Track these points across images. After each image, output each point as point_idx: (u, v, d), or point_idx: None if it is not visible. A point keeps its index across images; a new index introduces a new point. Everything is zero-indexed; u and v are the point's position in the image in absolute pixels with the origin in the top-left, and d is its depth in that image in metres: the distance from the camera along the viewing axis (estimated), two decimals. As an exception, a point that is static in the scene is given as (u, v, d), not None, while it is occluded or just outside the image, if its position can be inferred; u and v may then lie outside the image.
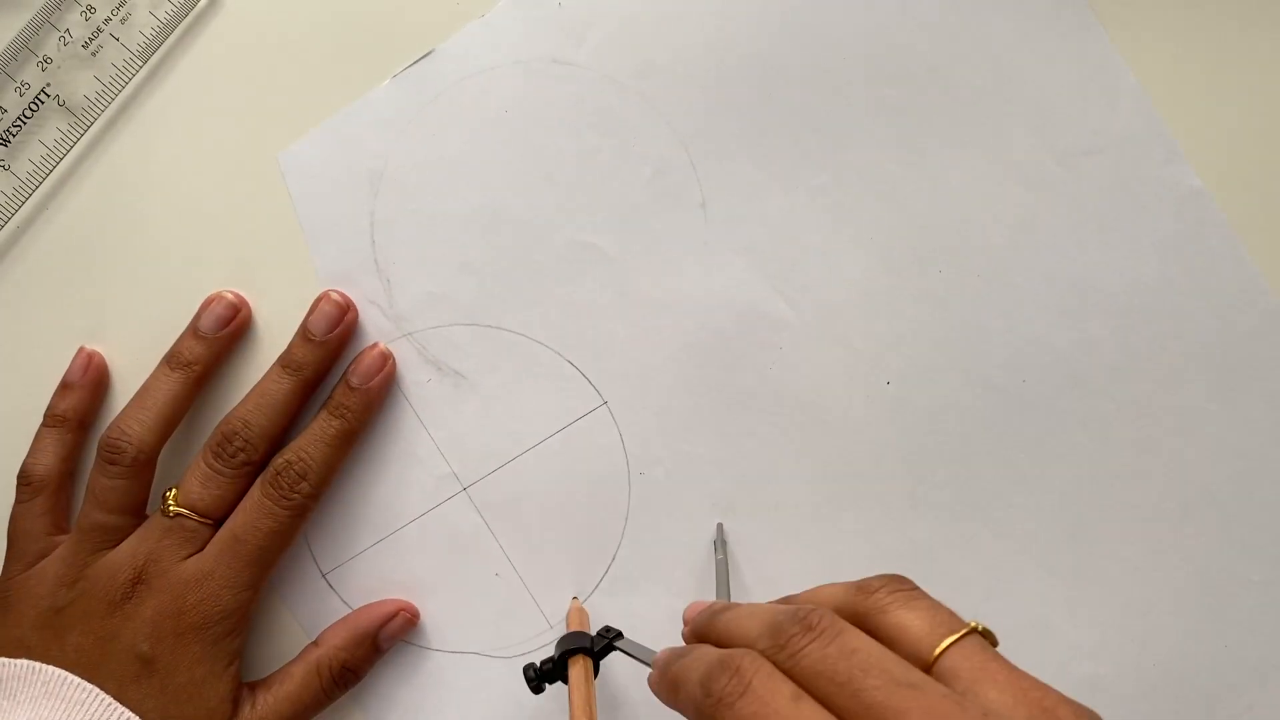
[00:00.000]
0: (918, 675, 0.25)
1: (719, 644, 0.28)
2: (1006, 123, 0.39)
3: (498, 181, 0.39)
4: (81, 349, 0.40)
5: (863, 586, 0.28)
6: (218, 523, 0.37)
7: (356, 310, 0.39)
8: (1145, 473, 0.39)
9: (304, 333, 0.39)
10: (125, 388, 0.40)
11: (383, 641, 0.39)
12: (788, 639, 0.26)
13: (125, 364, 0.40)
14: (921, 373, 0.39)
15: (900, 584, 0.28)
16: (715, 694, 0.25)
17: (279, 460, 0.37)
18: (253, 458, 0.37)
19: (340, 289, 0.39)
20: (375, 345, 0.39)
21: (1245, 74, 0.40)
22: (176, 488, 0.37)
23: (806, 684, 0.25)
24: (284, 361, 0.38)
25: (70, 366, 0.39)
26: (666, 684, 0.29)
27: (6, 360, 0.40)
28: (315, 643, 0.39)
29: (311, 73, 0.40)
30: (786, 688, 0.25)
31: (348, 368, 0.39)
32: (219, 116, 0.40)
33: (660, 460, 0.39)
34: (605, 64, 0.39)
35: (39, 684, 0.34)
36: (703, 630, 0.30)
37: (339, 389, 0.39)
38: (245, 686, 0.37)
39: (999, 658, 0.26)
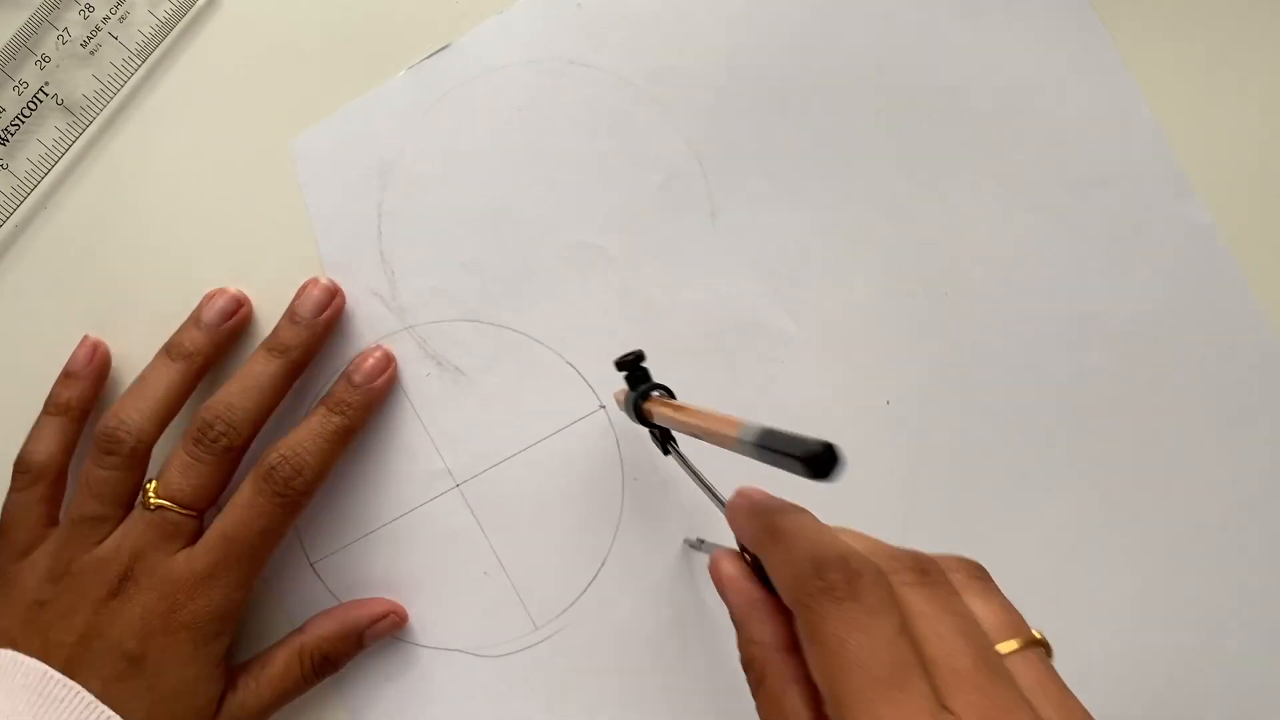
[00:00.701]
0: (1004, 667, 0.25)
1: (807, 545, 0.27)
2: (1018, 148, 0.39)
3: (507, 179, 0.39)
4: (86, 338, 0.39)
5: (942, 562, 0.28)
6: (201, 513, 0.36)
7: (344, 296, 0.39)
8: (1141, 505, 0.39)
9: (291, 315, 0.38)
10: (124, 382, 0.39)
11: (368, 639, 0.39)
12: (902, 570, 0.27)
13: (125, 360, 0.40)
14: (921, 394, 0.39)
15: (979, 572, 0.29)
16: (826, 580, 0.25)
17: (272, 456, 0.36)
18: (235, 442, 0.36)
19: (343, 278, 0.39)
20: (379, 347, 0.39)
21: (1261, 110, 0.40)
22: (157, 479, 0.36)
23: (907, 620, 0.26)
24: (270, 344, 0.38)
25: (74, 355, 0.39)
26: (765, 528, 0.28)
27: (5, 360, 0.40)
28: (300, 629, 0.39)
29: (313, 71, 0.40)
30: (897, 617, 0.25)
31: (350, 365, 0.39)
32: (219, 115, 0.40)
33: (656, 468, 0.39)
34: (622, 67, 0.39)
35: (19, 675, 0.34)
36: (776, 521, 0.28)
37: (340, 386, 0.38)
38: (233, 683, 0.37)
39: (1057, 677, 0.26)
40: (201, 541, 0.36)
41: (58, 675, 0.34)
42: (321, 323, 0.38)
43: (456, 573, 0.39)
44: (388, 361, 0.39)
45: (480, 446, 0.39)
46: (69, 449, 0.38)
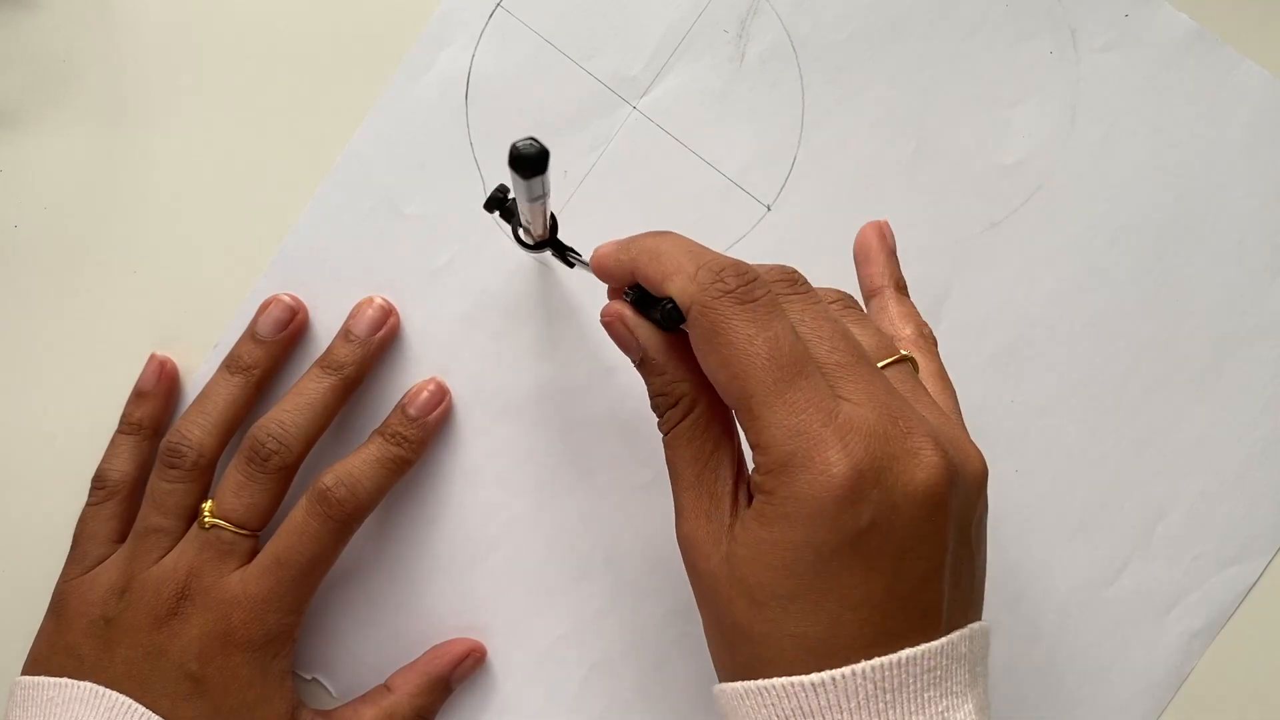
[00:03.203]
0: (874, 363, 0.29)
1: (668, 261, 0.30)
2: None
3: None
4: (153, 356, 0.39)
5: (822, 293, 0.31)
6: (256, 532, 0.36)
7: (399, 316, 0.39)
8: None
9: (345, 333, 0.38)
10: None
11: (454, 683, 0.39)
12: (774, 281, 0.29)
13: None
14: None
15: (850, 301, 0.32)
16: (729, 285, 0.28)
17: (326, 478, 0.36)
18: (287, 460, 0.36)
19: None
20: (433, 379, 0.39)
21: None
22: (213, 498, 0.36)
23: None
24: (323, 362, 0.38)
25: (143, 374, 0.39)
26: (642, 250, 0.30)
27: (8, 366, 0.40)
28: (387, 687, 0.39)
29: (315, 67, 0.40)
30: (789, 320, 0.28)
31: (405, 397, 0.39)
32: (224, 116, 0.40)
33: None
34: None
35: (102, 709, 0.35)
36: (653, 239, 0.31)
37: (396, 417, 0.38)
38: (310, 711, 0.37)
39: (923, 386, 0.30)
40: (255, 563, 0.36)
41: (140, 707, 0.35)
42: (376, 341, 0.38)
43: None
44: (442, 394, 0.39)
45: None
46: (144, 466, 0.38)
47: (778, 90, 0.41)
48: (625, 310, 0.31)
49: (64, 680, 0.35)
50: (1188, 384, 0.42)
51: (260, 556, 0.36)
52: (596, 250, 0.32)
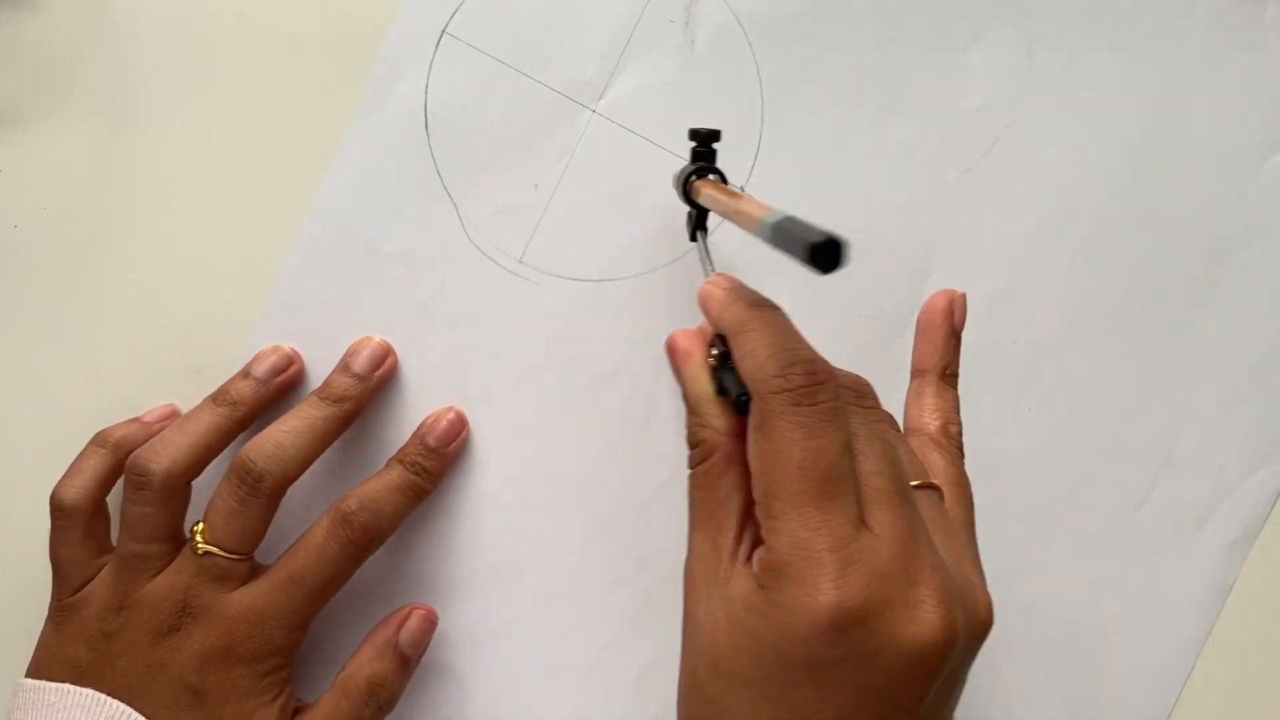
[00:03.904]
0: (913, 496, 0.29)
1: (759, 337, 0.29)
2: None
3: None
4: (172, 405, 0.40)
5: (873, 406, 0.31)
6: (249, 555, 0.36)
7: (396, 357, 0.39)
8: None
9: (344, 368, 0.38)
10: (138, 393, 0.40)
11: (405, 648, 0.38)
12: (847, 388, 0.29)
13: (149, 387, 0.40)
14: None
15: (892, 419, 0.32)
16: (789, 380, 0.27)
17: (350, 503, 0.36)
18: (281, 484, 0.36)
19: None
20: (451, 409, 0.40)
21: None
22: (204, 521, 0.36)
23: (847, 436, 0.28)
24: (323, 393, 0.38)
25: (151, 410, 0.39)
26: (736, 318, 0.30)
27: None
28: (342, 667, 0.38)
29: (312, 69, 0.40)
30: (844, 431, 0.28)
31: (423, 426, 0.39)
32: (224, 115, 0.40)
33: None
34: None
35: (102, 716, 0.35)
36: (751, 313, 0.30)
37: (414, 446, 0.39)
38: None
39: (946, 519, 0.30)
40: (266, 579, 0.36)
41: (139, 716, 0.35)
42: (375, 379, 0.38)
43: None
44: (461, 424, 0.40)
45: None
46: (104, 484, 0.38)
47: (732, 72, 0.40)
48: (681, 343, 0.32)
49: (65, 686, 0.35)
50: (1187, 296, 0.42)
51: (274, 571, 0.36)
52: (708, 287, 0.32)
